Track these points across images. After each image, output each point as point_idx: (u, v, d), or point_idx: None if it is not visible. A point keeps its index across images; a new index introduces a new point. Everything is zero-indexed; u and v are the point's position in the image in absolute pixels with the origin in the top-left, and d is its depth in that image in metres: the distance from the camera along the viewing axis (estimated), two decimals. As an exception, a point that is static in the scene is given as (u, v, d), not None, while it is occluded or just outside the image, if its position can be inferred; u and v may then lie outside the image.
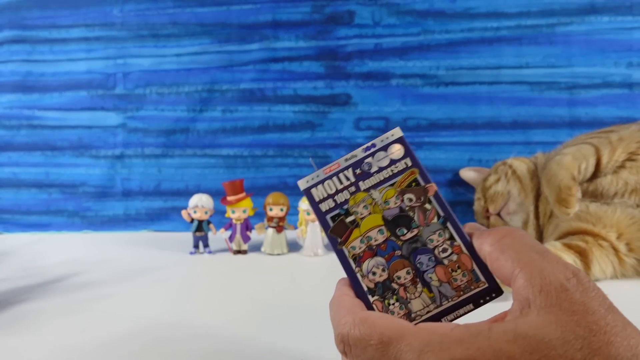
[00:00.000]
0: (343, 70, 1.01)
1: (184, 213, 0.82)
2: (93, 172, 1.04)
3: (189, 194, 0.89)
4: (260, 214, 0.84)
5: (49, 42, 1.03)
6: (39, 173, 1.05)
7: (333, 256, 0.91)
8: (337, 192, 0.28)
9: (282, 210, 0.80)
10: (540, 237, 0.74)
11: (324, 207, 0.28)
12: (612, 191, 0.65)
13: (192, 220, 0.81)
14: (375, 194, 0.28)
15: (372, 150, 0.28)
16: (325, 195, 0.28)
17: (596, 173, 0.66)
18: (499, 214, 0.77)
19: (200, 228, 0.81)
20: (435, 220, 0.27)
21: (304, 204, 0.80)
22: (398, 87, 1.00)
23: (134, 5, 1.02)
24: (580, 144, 0.69)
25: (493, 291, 0.26)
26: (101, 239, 0.97)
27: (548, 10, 0.95)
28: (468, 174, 0.93)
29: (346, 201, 0.28)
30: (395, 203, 0.27)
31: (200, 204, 0.80)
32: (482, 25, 0.97)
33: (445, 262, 0.26)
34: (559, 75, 0.95)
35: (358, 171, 0.28)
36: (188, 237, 0.83)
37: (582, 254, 0.60)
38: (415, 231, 0.27)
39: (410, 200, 0.27)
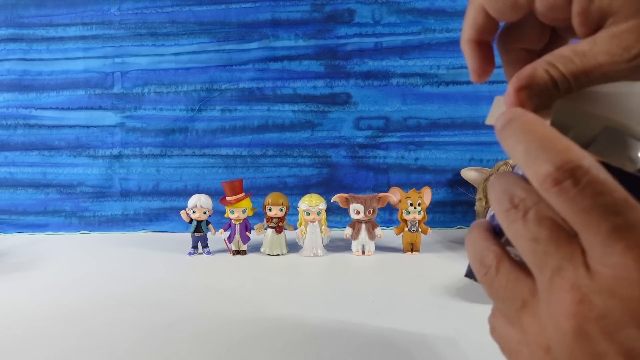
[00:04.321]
0: (343, 69, 1.00)
1: (182, 213, 0.81)
2: (91, 172, 1.03)
3: (187, 194, 0.88)
4: (259, 214, 0.83)
5: (45, 41, 1.02)
6: (36, 173, 1.04)
7: (333, 256, 0.90)
8: None
9: (281, 210, 0.80)
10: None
11: None
12: None
13: (191, 221, 0.81)
14: None
15: None
16: None
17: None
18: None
19: (199, 228, 0.80)
20: None
21: (303, 204, 0.80)
22: (398, 87, 0.99)
23: (132, 3, 1.01)
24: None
25: None
26: (99, 239, 0.96)
27: (549, 8, 0.95)
28: (469, 174, 0.92)
29: None
30: None
31: (199, 204, 0.79)
32: (483, 24, 0.96)
33: None
34: (560, 74, 0.94)
35: None
36: (187, 237, 0.82)
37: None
38: None
39: None
